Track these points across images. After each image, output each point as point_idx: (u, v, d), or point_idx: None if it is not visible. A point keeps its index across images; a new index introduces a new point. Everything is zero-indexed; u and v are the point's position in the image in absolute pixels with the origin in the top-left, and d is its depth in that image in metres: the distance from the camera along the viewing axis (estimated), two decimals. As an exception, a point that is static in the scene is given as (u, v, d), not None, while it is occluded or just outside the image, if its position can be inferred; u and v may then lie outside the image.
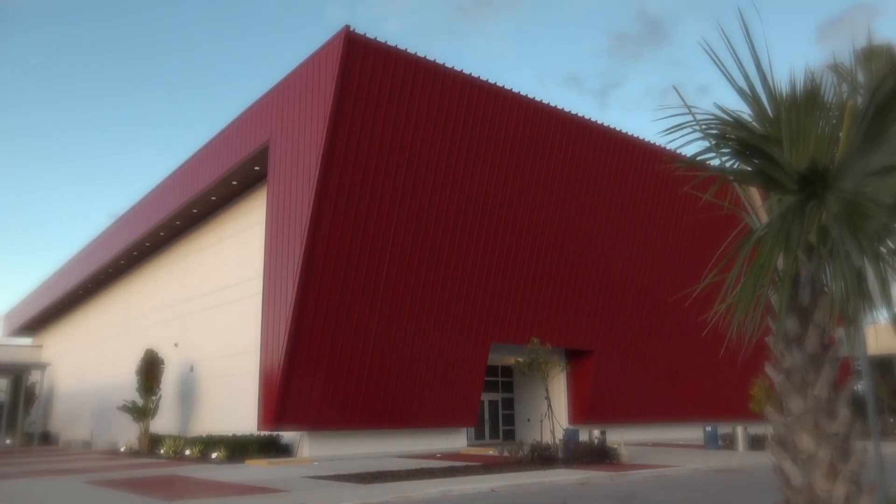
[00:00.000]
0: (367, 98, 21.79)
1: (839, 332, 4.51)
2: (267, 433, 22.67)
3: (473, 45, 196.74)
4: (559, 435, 21.34)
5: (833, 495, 3.78)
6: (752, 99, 4.13)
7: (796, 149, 3.98)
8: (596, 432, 21.91)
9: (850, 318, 3.69)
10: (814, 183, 3.74)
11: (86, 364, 45.13)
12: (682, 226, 31.38)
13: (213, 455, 22.32)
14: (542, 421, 25.61)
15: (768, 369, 4.22)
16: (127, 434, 32.12)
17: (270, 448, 22.50)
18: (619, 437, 20.96)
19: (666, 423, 31.68)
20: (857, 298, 3.59)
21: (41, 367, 39.15)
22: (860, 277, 3.57)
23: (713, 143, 4.19)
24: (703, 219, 29.31)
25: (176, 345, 31.73)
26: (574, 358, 29.44)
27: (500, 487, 13.76)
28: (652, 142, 29.67)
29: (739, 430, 24.22)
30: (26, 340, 61.92)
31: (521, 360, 22.27)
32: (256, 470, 18.82)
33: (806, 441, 3.91)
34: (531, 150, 26.23)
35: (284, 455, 22.35)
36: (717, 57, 4.17)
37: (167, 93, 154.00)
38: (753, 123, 4.15)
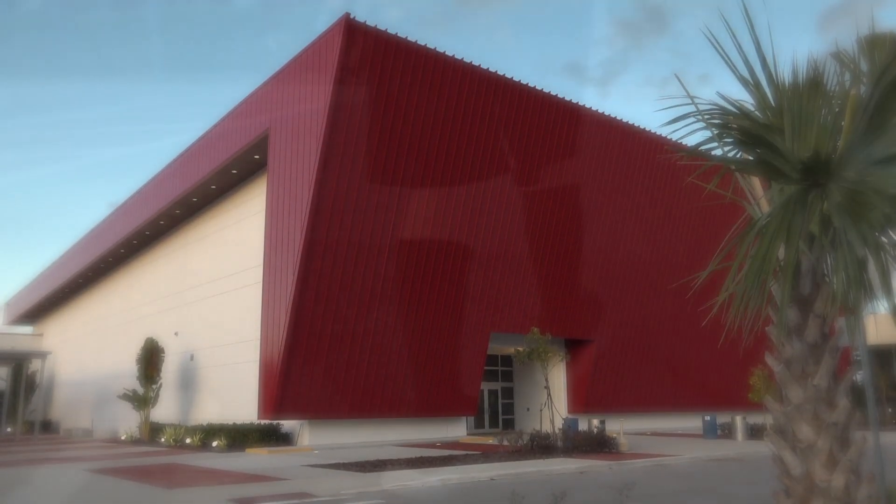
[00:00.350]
0: (368, 86, 21.70)
1: (839, 322, 4.50)
2: (267, 422, 22.74)
3: (472, 33, 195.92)
4: (558, 424, 21.42)
5: (832, 484, 3.79)
6: (754, 87, 4.09)
7: (799, 138, 3.94)
8: (595, 421, 21.99)
9: (851, 308, 3.68)
10: (816, 172, 3.71)
11: (86, 353, 45.23)
12: (683, 215, 31.37)
13: (214, 443, 22.41)
14: (541, 410, 25.67)
15: (768, 359, 4.21)
16: (127, 422, 32.22)
17: (271, 437, 22.59)
18: (619, 427, 21.03)
19: (665, 412, 31.79)
20: (858, 288, 3.58)
21: (42, 355, 39.22)
22: (861, 267, 3.56)
23: (715, 132, 4.15)
24: (704, 208, 29.32)
25: (176, 333, 31.78)
26: (574, 347, 29.49)
27: (500, 476, 13.82)
28: (653, 131, 29.60)
29: (738, 420, 24.30)
30: (27, 329, 62.05)
31: (520, 349, 22.31)
32: (257, 458, 18.89)
33: (805, 430, 3.91)
34: (531, 138, 26.16)
35: (285, 444, 22.44)
36: (719, 45, 4.12)
37: (167, 81, 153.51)
38: (756, 112, 4.11)
